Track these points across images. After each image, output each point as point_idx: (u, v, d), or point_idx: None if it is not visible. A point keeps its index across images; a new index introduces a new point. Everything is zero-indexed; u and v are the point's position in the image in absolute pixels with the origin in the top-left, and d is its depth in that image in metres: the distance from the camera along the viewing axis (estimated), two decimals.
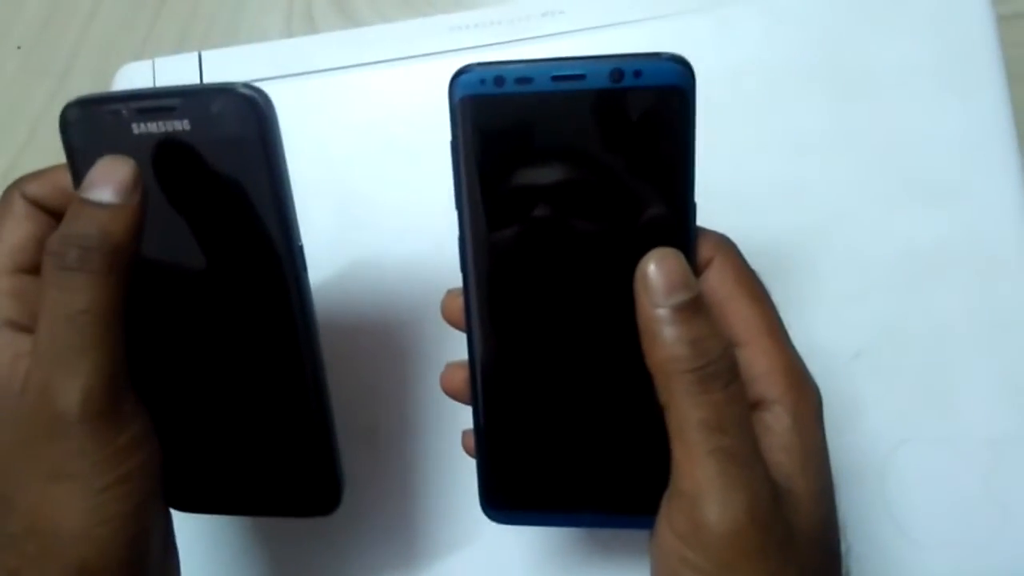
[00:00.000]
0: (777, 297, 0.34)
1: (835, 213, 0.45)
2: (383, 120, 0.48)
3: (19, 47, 0.59)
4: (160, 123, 0.32)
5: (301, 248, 0.34)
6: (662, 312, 0.30)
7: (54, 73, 0.59)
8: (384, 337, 0.46)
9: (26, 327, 0.33)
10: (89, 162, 0.32)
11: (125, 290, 0.31)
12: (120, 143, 0.32)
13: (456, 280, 0.34)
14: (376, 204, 0.47)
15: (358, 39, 0.49)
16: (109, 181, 0.31)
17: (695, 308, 0.30)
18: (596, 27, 0.46)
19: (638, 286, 0.31)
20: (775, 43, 0.45)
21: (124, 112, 0.32)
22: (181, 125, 0.32)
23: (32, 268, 0.34)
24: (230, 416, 0.36)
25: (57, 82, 0.59)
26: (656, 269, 0.30)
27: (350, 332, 0.43)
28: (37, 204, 0.35)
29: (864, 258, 0.45)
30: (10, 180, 0.35)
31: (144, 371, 0.34)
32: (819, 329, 0.44)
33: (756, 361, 0.32)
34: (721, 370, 0.30)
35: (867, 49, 0.45)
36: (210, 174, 0.33)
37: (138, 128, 0.32)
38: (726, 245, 0.33)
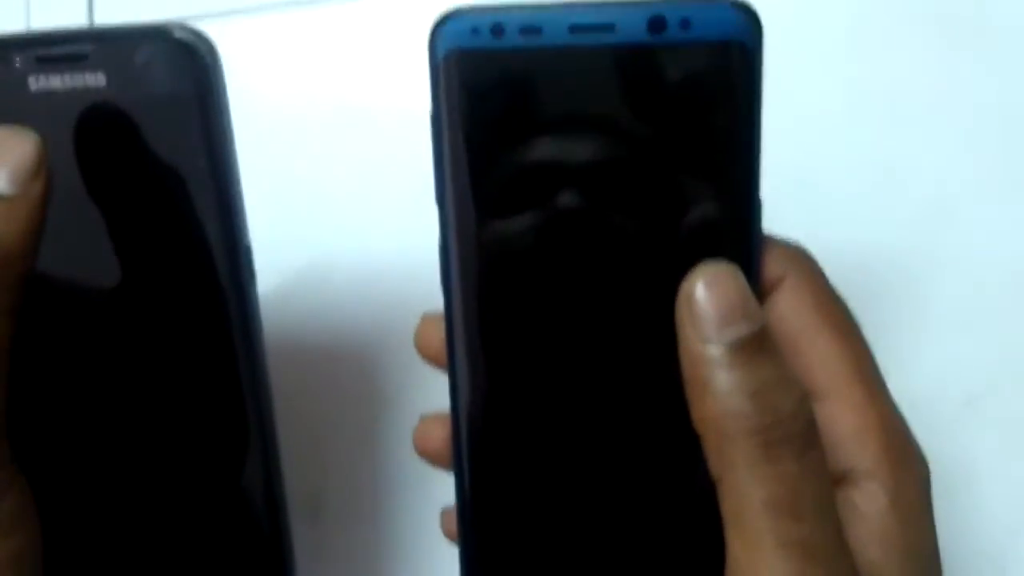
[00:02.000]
0: (868, 329, 0.26)
1: (942, 209, 0.37)
2: (334, 77, 0.39)
3: None
4: (67, 76, 0.26)
5: (249, 249, 0.27)
6: (714, 351, 0.23)
7: None
8: (334, 374, 0.38)
9: None
10: None
11: (14, 314, 0.24)
12: (12, 105, 0.26)
13: (433, 298, 0.26)
14: (324, 191, 0.39)
15: None
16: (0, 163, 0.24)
17: (759, 346, 0.23)
18: None
19: (681, 314, 0.24)
20: None
21: (17, 61, 0.26)
22: (95, 80, 0.26)
23: None
24: (146, 487, 0.28)
25: None
26: (706, 291, 0.23)
27: (289, 367, 0.35)
28: None
29: (980, 270, 0.37)
30: None
31: (26, 426, 0.26)
32: (920, 369, 0.36)
33: (842, 419, 0.25)
34: (794, 432, 0.23)
35: None
36: (132, 148, 0.26)
37: (36, 83, 0.26)
38: (802, 259, 0.26)
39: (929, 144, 0.37)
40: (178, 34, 0.25)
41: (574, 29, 0.24)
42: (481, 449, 0.26)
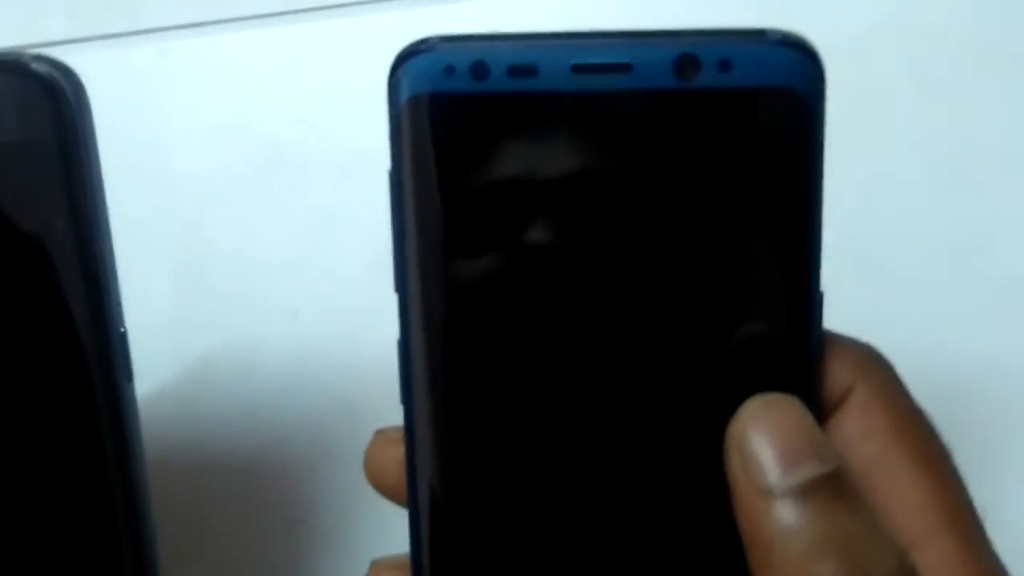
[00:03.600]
0: (958, 453, 0.21)
1: None
2: (264, 111, 0.33)
3: None
4: None
5: (124, 336, 0.23)
6: (779, 501, 0.19)
7: None
8: (252, 496, 0.31)
9: None
10: None
11: None
12: None
13: (387, 403, 0.21)
14: (242, 258, 0.32)
15: None
16: None
17: (836, 491, 0.19)
18: None
19: (732, 462, 0.19)
20: None
21: None
22: None
23: None
24: None
25: None
26: (758, 431, 0.19)
27: (191, 483, 0.29)
28: None
29: None
30: None
31: None
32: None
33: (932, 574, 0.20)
34: None
35: None
36: None
37: None
38: (873, 366, 0.21)
39: (1020, 213, 0.32)
40: (34, 67, 0.21)
41: (579, 69, 0.19)
42: None
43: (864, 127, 0.31)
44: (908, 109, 0.33)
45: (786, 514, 0.18)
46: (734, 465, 0.19)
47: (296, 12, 0.32)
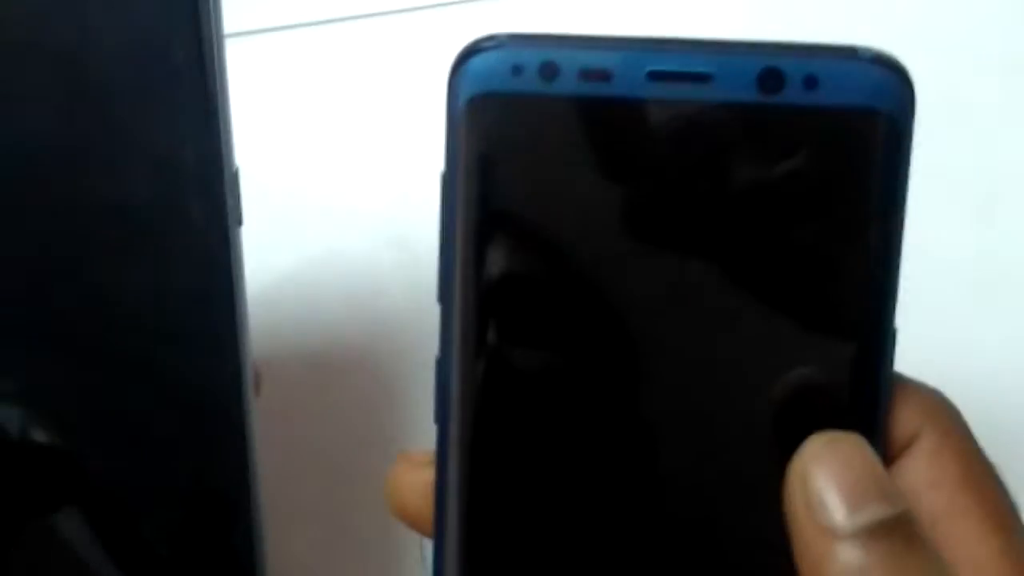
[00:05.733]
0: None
1: None
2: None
3: None
4: None
5: (236, 175, 0.22)
6: (846, 543, 0.17)
7: None
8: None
9: None
10: None
11: None
12: None
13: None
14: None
15: None
16: None
17: (905, 535, 0.18)
18: None
19: (794, 500, 0.18)
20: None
21: None
22: None
23: None
24: None
25: None
26: (823, 469, 0.18)
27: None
28: None
29: None
30: None
31: None
32: None
33: None
34: None
35: None
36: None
37: None
38: (944, 412, 0.20)
39: None
40: None
41: (656, 77, 0.17)
42: None
43: (949, 153, 0.30)
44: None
45: (851, 556, 0.17)
46: (796, 503, 0.18)
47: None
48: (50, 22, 0.21)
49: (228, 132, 0.22)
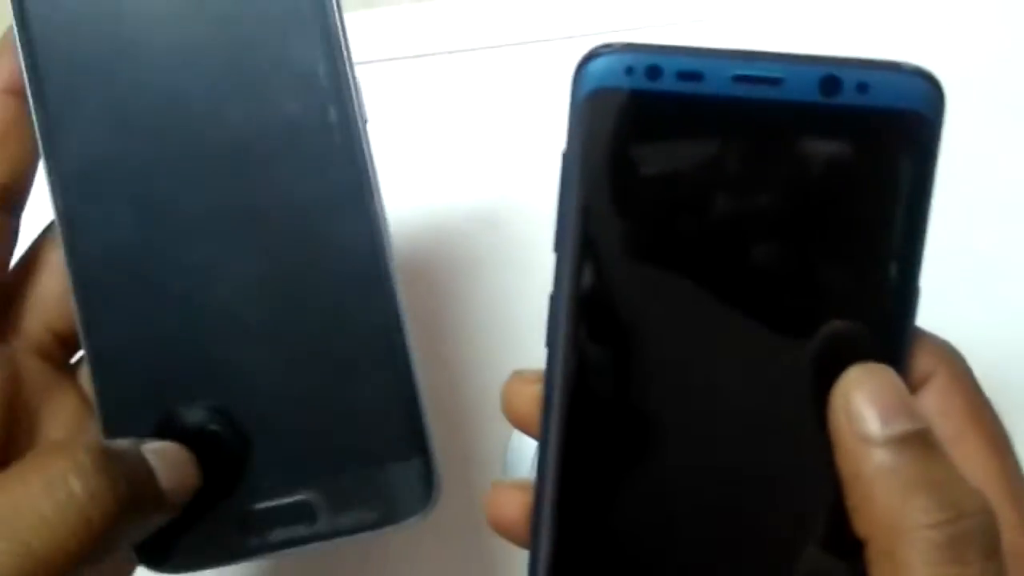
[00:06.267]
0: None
1: None
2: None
3: None
4: None
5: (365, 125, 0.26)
6: (880, 446, 0.21)
7: None
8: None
9: None
10: None
11: None
12: None
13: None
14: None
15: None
16: None
17: (927, 443, 0.21)
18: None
19: (837, 415, 0.22)
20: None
21: None
22: None
23: None
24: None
25: None
26: (861, 390, 0.22)
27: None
28: None
29: None
30: None
31: None
32: None
33: None
34: (979, 530, 0.21)
35: None
36: None
37: None
38: (953, 359, 0.24)
39: None
40: None
41: (738, 79, 0.21)
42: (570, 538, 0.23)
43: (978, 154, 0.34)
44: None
45: (885, 458, 0.21)
46: (839, 418, 0.21)
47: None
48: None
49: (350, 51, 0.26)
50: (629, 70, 0.21)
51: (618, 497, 0.23)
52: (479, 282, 0.36)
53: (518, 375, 0.25)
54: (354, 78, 0.26)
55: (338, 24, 0.26)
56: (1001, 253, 0.35)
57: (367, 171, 0.26)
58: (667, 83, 0.21)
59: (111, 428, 0.26)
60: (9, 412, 0.27)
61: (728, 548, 0.23)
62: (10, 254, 0.28)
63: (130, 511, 0.24)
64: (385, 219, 0.26)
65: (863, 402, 0.21)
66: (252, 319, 0.26)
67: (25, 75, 0.26)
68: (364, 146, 0.26)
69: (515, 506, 0.24)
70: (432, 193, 0.38)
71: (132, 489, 0.24)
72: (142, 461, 0.25)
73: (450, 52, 0.39)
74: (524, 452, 0.35)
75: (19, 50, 0.26)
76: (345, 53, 0.26)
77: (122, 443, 0.26)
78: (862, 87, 0.21)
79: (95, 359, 0.26)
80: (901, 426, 0.21)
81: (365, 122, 0.26)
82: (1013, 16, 0.36)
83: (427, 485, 0.26)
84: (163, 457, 0.26)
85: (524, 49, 0.39)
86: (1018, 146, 0.35)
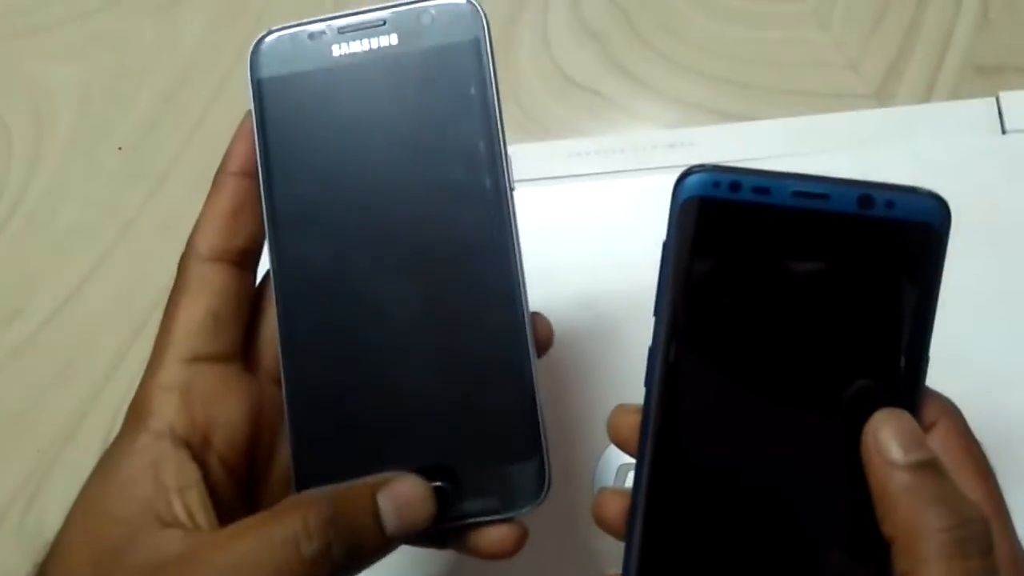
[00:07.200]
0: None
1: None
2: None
3: (120, 148, 0.61)
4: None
5: (512, 192, 0.33)
6: (902, 470, 0.27)
7: (152, 176, 0.60)
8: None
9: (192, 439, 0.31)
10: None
11: None
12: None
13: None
14: None
15: None
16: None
17: (937, 469, 0.27)
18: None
19: (868, 447, 0.28)
20: None
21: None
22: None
23: (209, 355, 0.32)
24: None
25: (155, 184, 0.60)
26: (889, 427, 0.27)
27: None
28: (216, 259, 0.33)
29: None
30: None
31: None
32: None
33: None
34: (979, 533, 0.26)
35: None
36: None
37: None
38: (952, 411, 0.30)
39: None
40: None
41: (796, 195, 0.28)
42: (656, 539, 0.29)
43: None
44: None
45: (906, 478, 0.26)
46: (869, 448, 0.27)
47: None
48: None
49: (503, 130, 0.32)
50: (716, 184, 0.28)
51: (694, 506, 0.28)
52: (595, 332, 0.44)
53: (622, 408, 0.31)
54: (506, 154, 0.32)
55: (496, 111, 0.33)
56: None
57: (512, 229, 0.32)
58: (744, 195, 0.28)
59: (302, 458, 0.33)
60: (256, 430, 0.32)
61: (782, 550, 0.28)
62: (252, 302, 0.34)
63: (346, 566, 0.28)
64: (522, 267, 0.32)
65: (888, 436, 0.27)
66: (417, 351, 0.33)
67: (259, 159, 0.32)
68: (511, 208, 0.32)
69: (615, 508, 0.30)
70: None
71: (351, 549, 0.28)
72: (368, 510, 0.29)
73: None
74: (610, 466, 0.43)
75: (256, 136, 0.32)
76: (500, 134, 0.33)
77: (358, 488, 0.29)
78: (889, 204, 0.28)
79: (290, 405, 0.33)
80: (917, 455, 0.27)
81: (512, 190, 0.33)
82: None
83: (540, 481, 0.33)
84: (396, 497, 0.29)
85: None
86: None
